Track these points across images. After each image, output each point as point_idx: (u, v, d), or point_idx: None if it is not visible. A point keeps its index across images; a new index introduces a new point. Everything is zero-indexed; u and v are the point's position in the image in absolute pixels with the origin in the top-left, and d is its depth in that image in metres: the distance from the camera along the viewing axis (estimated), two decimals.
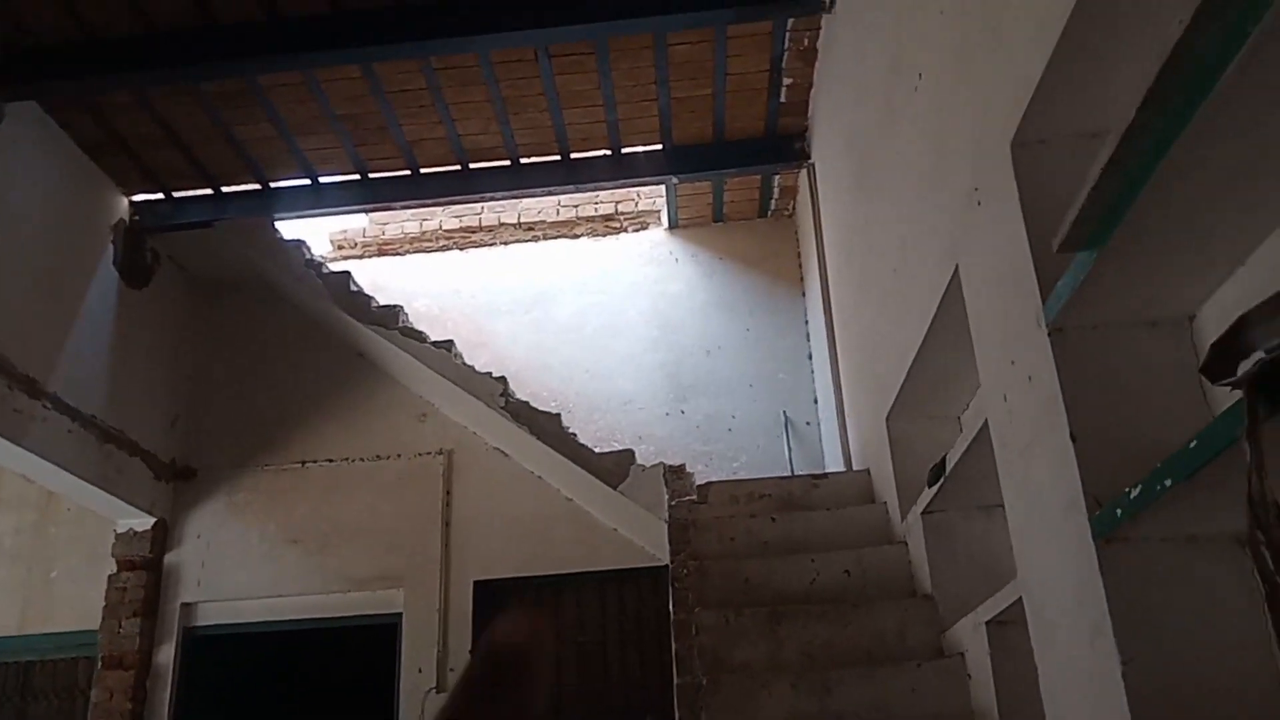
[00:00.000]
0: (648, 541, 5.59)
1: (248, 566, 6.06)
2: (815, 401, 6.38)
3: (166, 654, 5.92)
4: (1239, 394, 1.43)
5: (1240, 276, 1.95)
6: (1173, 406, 2.06)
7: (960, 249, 2.79)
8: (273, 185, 6.21)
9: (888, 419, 4.02)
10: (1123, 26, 2.00)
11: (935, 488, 3.32)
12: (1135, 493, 1.79)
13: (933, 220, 3.10)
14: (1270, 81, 1.41)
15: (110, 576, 6.06)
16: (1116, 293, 2.04)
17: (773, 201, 6.89)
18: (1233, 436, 1.43)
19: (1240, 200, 1.75)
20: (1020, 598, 2.57)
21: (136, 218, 6.19)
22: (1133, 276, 1.99)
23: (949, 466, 3.17)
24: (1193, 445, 1.58)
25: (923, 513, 3.56)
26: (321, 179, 6.18)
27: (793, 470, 6.07)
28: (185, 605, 6.03)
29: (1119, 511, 1.87)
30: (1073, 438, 2.06)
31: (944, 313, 3.08)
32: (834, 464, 5.64)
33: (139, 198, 6.21)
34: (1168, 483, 1.67)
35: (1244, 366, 1.43)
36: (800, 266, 6.82)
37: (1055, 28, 2.04)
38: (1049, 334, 2.15)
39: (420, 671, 5.66)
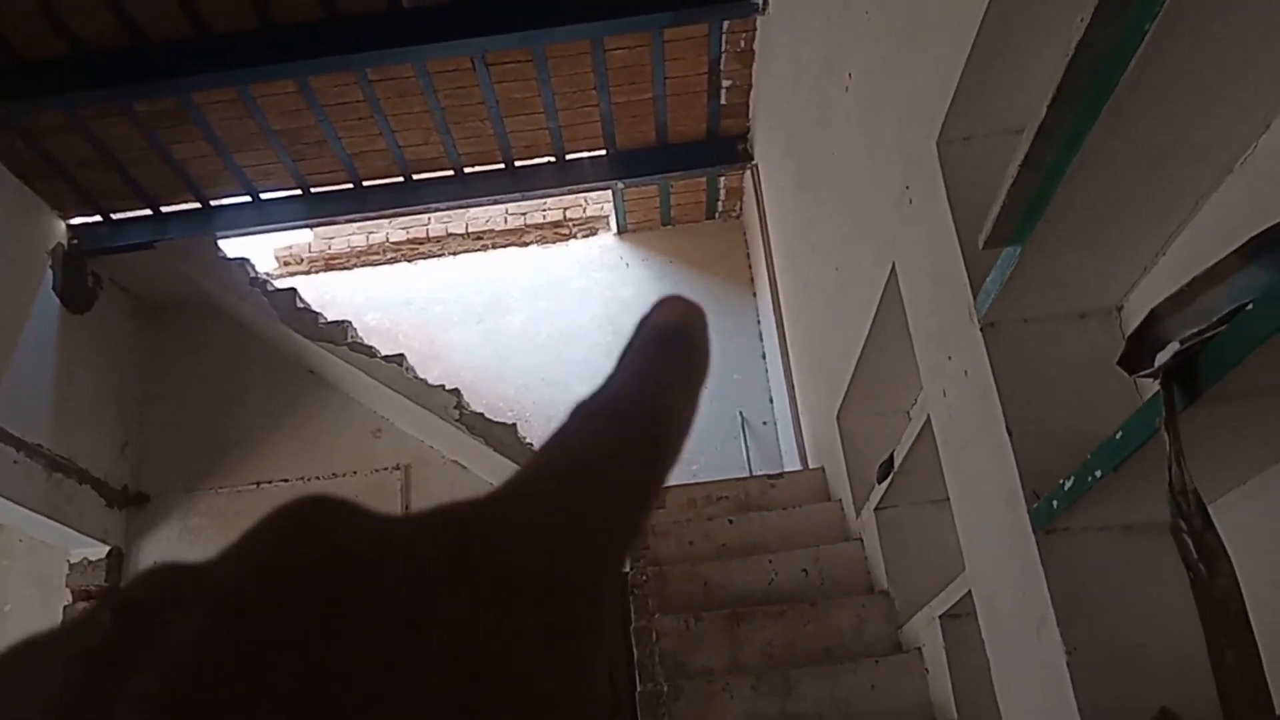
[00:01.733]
0: None
1: None
2: (770, 401, 6.40)
3: None
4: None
5: (1162, 266, 1.98)
6: (1104, 397, 2.09)
7: (896, 247, 2.81)
8: (213, 203, 6.14)
9: (838, 416, 4.04)
10: (1035, 23, 2.03)
11: (885, 483, 3.34)
12: (1069, 484, 1.81)
13: (869, 218, 3.12)
14: (1172, 74, 1.43)
15: (65, 607, 5.95)
16: (1044, 286, 2.06)
17: (719, 203, 6.91)
18: (1153, 427, 1.45)
19: (1155, 191, 1.78)
20: (970, 591, 2.59)
21: (75, 241, 6.08)
22: (1058, 270, 2.01)
23: (897, 462, 3.19)
24: (1118, 436, 1.60)
25: (875, 509, 3.58)
26: (263, 195, 6.11)
27: (751, 470, 6.08)
28: None
29: (1055, 503, 1.89)
30: (1009, 431, 2.08)
31: (885, 310, 3.10)
32: (791, 463, 5.66)
33: (76, 221, 6.10)
34: (1098, 474, 1.69)
35: (1161, 358, 1.45)
36: (750, 267, 6.84)
37: (972, 25, 2.07)
38: (981, 329, 2.17)
39: None
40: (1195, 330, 1.38)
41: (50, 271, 5.88)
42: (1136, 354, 1.47)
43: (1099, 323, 2.16)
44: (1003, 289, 2.05)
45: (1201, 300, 1.39)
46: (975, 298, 2.19)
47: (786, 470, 5.34)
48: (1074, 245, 1.94)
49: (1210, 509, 1.36)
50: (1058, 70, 1.56)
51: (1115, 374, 2.12)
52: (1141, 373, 1.47)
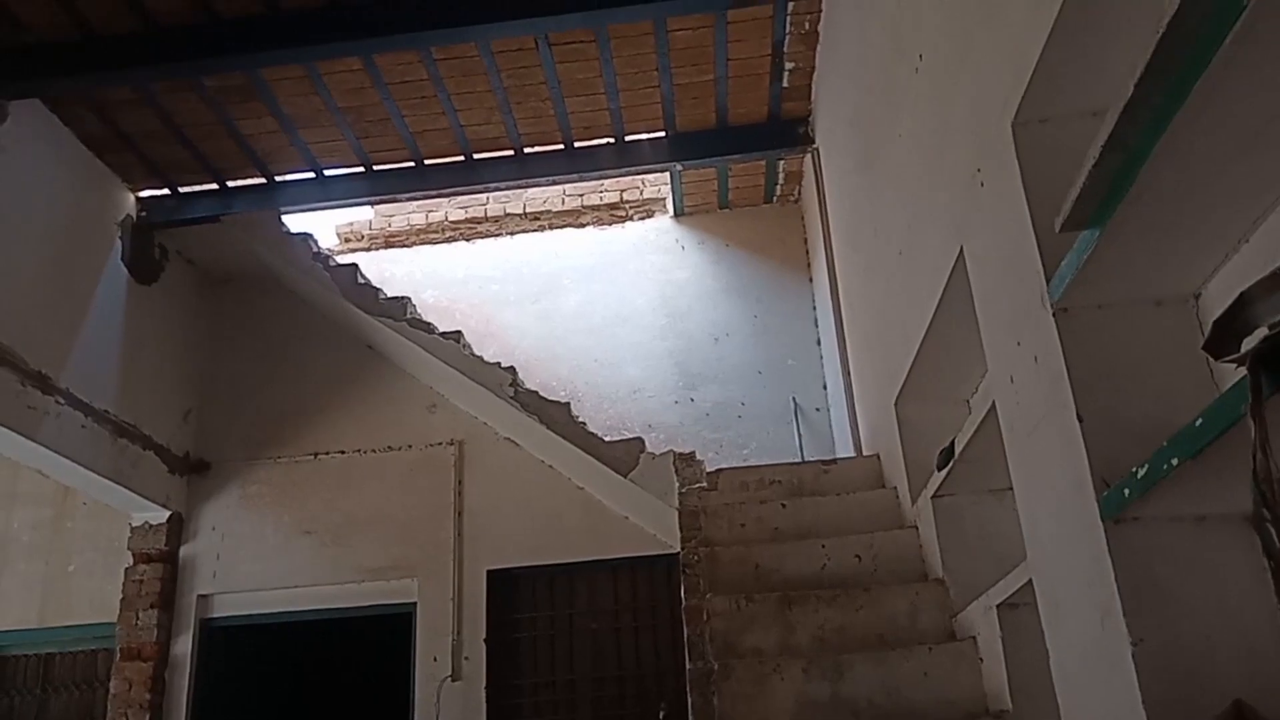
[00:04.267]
0: (659, 529, 5.59)
1: (263, 558, 6.10)
2: (824, 387, 6.37)
3: (184, 645, 5.97)
4: (1243, 371, 1.42)
5: (1245, 253, 1.93)
6: (1178, 385, 2.05)
7: (965, 230, 2.77)
8: (277, 179, 6.23)
9: (896, 403, 4.00)
10: (1117, 3, 1.98)
11: (945, 471, 3.31)
12: (1142, 472, 1.78)
13: (937, 202, 3.08)
14: (1267, 53, 1.39)
15: (127, 570, 6.11)
16: (1120, 271, 2.02)
17: (778, 187, 6.86)
18: (1238, 414, 1.42)
19: (1242, 175, 1.73)
20: (1030, 580, 2.56)
21: (143, 214, 6.22)
22: (1136, 255, 1.97)
23: (958, 450, 3.16)
24: (1198, 423, 1.57)
25: (933, 497, 3.55)
26: (326, 172, 6.20)
27: (803, 457, 6.06)
28: (201, 597, 6.08)
29: (1127, 491, 1.86)
30: (1079, 418, 2.05)
31: (950, 295, 3.06)
32: (844, 450, 5.63)
33: (145, 193, 6.23)
34: (1174, 461, 1.66)
35: (1247, 343, 1.42)
36: (807, 252, 6.80)
37: (1053, 5, 2.03)
38: (1054, 314, 2.14)
39: (435, 660, 5.69)
40: None
41: (119, 242, 6.03)
42: (1222, 339, 1.44)
43: (1175, 310, 2.12)
44: (1078, 273, 2.02)
45: None
46: (1048, 282, 2.15)
47: (840, 457, 5.31)
48: (1154, 230, 1.90)
49: None
50: (1144, 49, 1.53)
51: (1191, 363, 2.09)
52: (1227, 358, 1.44)
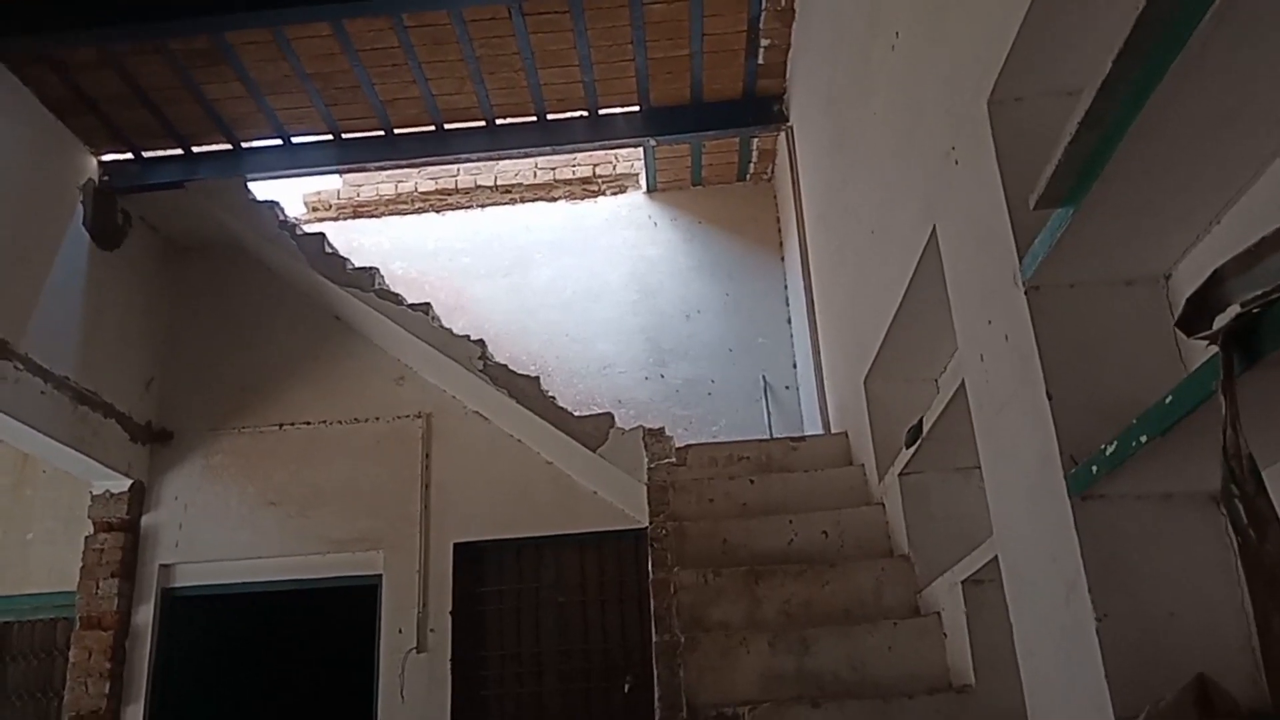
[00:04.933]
0: (627, 504, 5.60)
1: (226, 528, 6.04)
2: (794, 366, 6.39)
3: (145, 614, 5.90)
4: (1213, 350, 1.44)
5: (1216, 234, 1.95)
6: (1147, 365, 2.07)
7: (938, 209, 2.78)
8: (244, 145, 6.13)
9: (866, 381, 4.02)
10: None
11: (913, 449, 3.33)
12: (1111, 449, 1.79)
13: (910, 180, 3.08)
14: (1246, 32, 1.40)
15: (87, 538, 6.03)
16: (1093, 250, 2.03)
17: (751, 165, 6.85)
18: (1208, 391, 1.43)
19: (1216, 155, 1.74)
20: (996, 556, 2.59)
21: (106, 178, 6.10)
22: (1109, 234, 1.98)
23: (926, 427, 3.18)
24: (1168, 400, 1.58)
25: (900, 474, 3.58)
26: (294, 139, 6.11)
27: (771, 434, 6.09)
28: (164, 566, 6.01)
29: (1095, 468, 1.88)
30: (1049, 395, 2.07)
31: (922, 274, 3.07)
32: (812, 428, 5.66)
33: (108, 158, 6.11)
34: (1143, 439, 1.67)
35: (1220, 320, 1.43)
36: (779, 231, 6.80)
37: None
38: (1025, 292, 2.15)
39: (401, 632, 5.67)
40: (1259, 293, 1.36)
41: (81, 207, 5.91)
42: (1195, 316, 1.45)
43: (1146, 290, 2.13)
44: (1051, 252, 2.03)
45: (1268, 262, 1.36)
46: (1021, 261, 2.16)
47: (808, 434, 5.34)
48: (1127, 209, 1.91)
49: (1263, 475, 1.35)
50: (1120, 29, 1.53)
51: (1160, 343, 2.11)
52: (1199, 335, 1.45)
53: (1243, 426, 1.36)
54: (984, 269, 2.40)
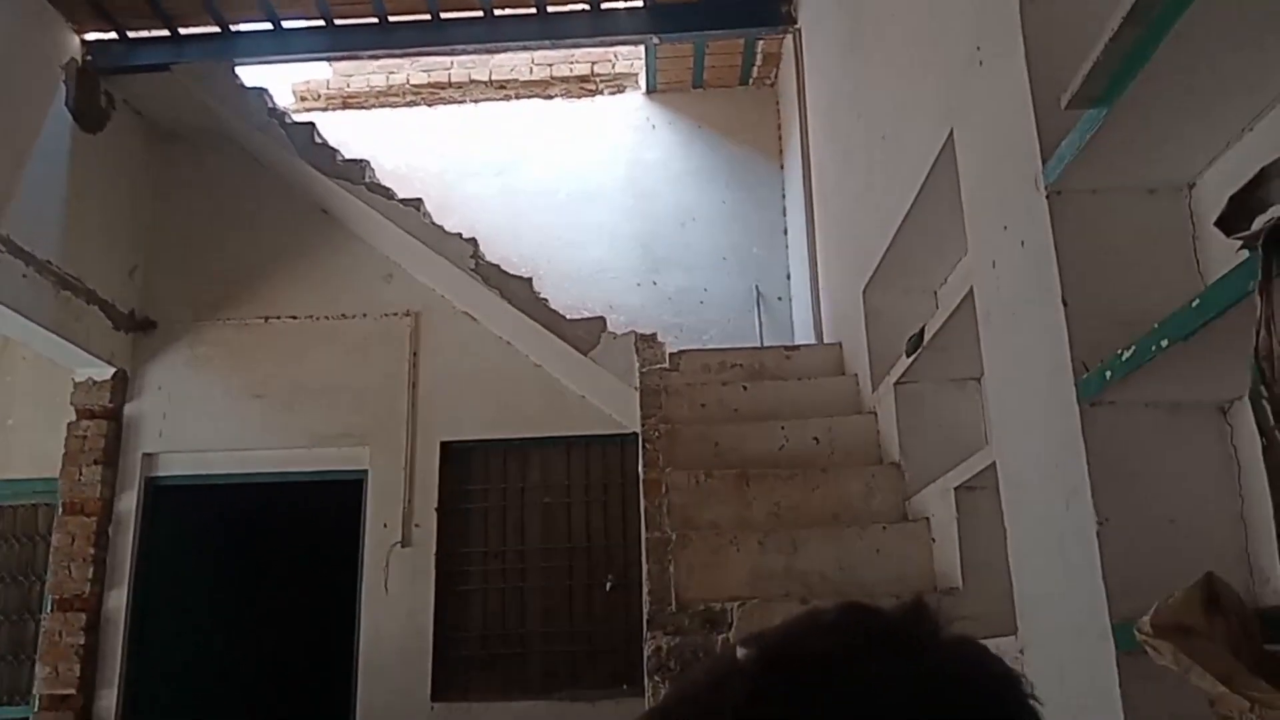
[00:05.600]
0: (615, 409, 5.61)
1: (211, 419, 6.02)
2: (788, 277, 6.35)
3: (128, 502, 5.91)
4: (1236, 262, 1.42)
5: (1246, 142, 1.91)
6: (1165, 275, 2.05)
7: (957, 112, 2.72)
8: (232, 28, 5.94)
9: (865, 291, 4.00)
10: None
11: (913, 358, 3.33)
12: (1128, 354, 1.79)
13: (929, 83, 3.01)
14: None
15: (70, 425, 6.00)
16: (1120, 155, 1.99)
17: (755, 69, 6.69)
18: (1241, 293, 1.41)
19: (1257, 59, 1.69)
20: (992, 463, 2.61)
21: (89, 58, 5.91)
22: (1138, 139, 1.94)
23: (928, 336, 3.17)
24: (1195, 304, 1.57)
25: (896, 383, 3.58)
26: (284, 24, 5.91)
27: (763, 344, 6.07)
28: (147, 455, 6.00)
29: (1108, 374, 1.87)
30: (1064, 302, 2.05)
31: (934, 180, 3.02)
32: (804, 340, 5.65)
33: (91, 36, 5.91)
34: (1164, 343, 1.66)
35: (1259, 221, 1.41)
36: (780, 138, 6.68)
37: None
38: (1047, 197, 2.11)
39: (385, 526, 5.72)
40: None
41: (63, 86, 5.73)
42: (1236, 215, 1.43)
43: (1168, 199, 2.10)
44: (1078, 154, 1.99)
45: None
46: (1044, 165, 2.12)
47: (802, 344, 5.33)
48: (1161, 112, 1.86)
49: None
50: None
51: (1179, 253, 2.09)
52: (1238, 234, 1.43)
53: (1276, 328, 1.35)
54: (1003, 173, 2.36)
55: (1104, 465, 1.95)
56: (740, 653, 0.53)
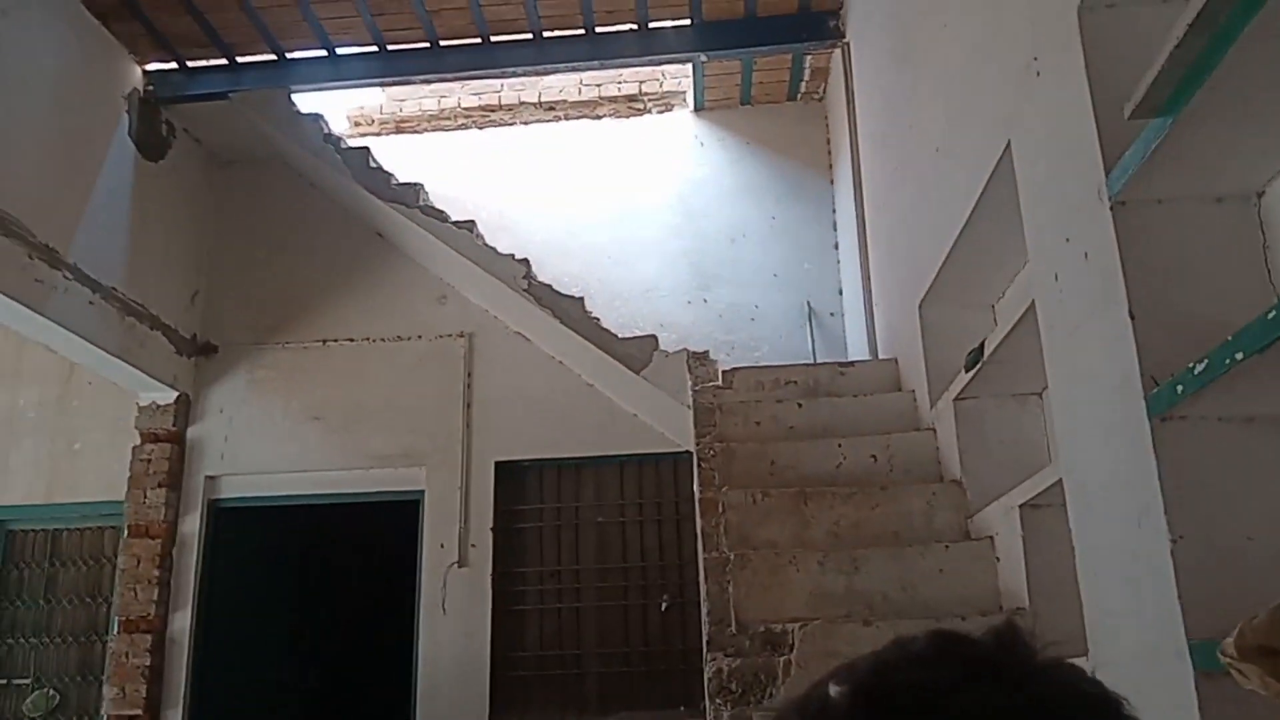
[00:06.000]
0: (668, 428, 5.60)
1: (270, 442, 6.11)
2: (840, 292, 6.30)
3: (192, 524, 6.02)
4: None
5: None
6: (1235, 286, 2.00)
7: (1014, 123, 2.69)
8: (288, 56, 6.07)
9: (921, 305, 3.96)
10: None
11: (972, 373, 3.28)
12: (1201, 367, 1.74)
13: (984, 94, 2.98)
14: None
15: (134, 448, 6.12)
16: (1185, 165, 1.96)
17: (803, 84, 6.67)
18: None
19: None
20: (1058, 481, 2.56)
21: (150, 88, 6.06)
22: (1205, 147, 1.91)
23: (988, 351, 3.13)
24: (1271, 315, 1.53)
25: (955, 399, 3.53)
26: (338, 50, 6.02)
27: (815, 361, 6.03)
28: (209, 478, 6.11)
29: (1180, 388, 1.83)
30: (1131, 315, 2.01)
31: (991, 192, 2.99)
32: (857, 356, 5.61)
33: (152, 67, 6.07)
34: (1239, 356, 1.62)
35: None
36: (830, 153, 6.65)
37: None
38: (1111, 207, 2.08)
39: (443, 547, 5.75)
40: None
41: (126, 116, 5.88)
42: None
43: (1237, 209, 2.06)
44: (1142, 164, 1.95)
45: None
46: (1108, 175, 2.09)
47: (856, 360, 5.28)
48: (1227, 120, 1.83)
49: None
50: None
51: (1249, 264, 2.04)
52: None
53: None
54: (1064, 184, 2.33)
55: (1177, 481, 1.91)
56: (834, 690, 0.52)
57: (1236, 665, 1.31)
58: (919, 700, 0.50)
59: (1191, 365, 1.78)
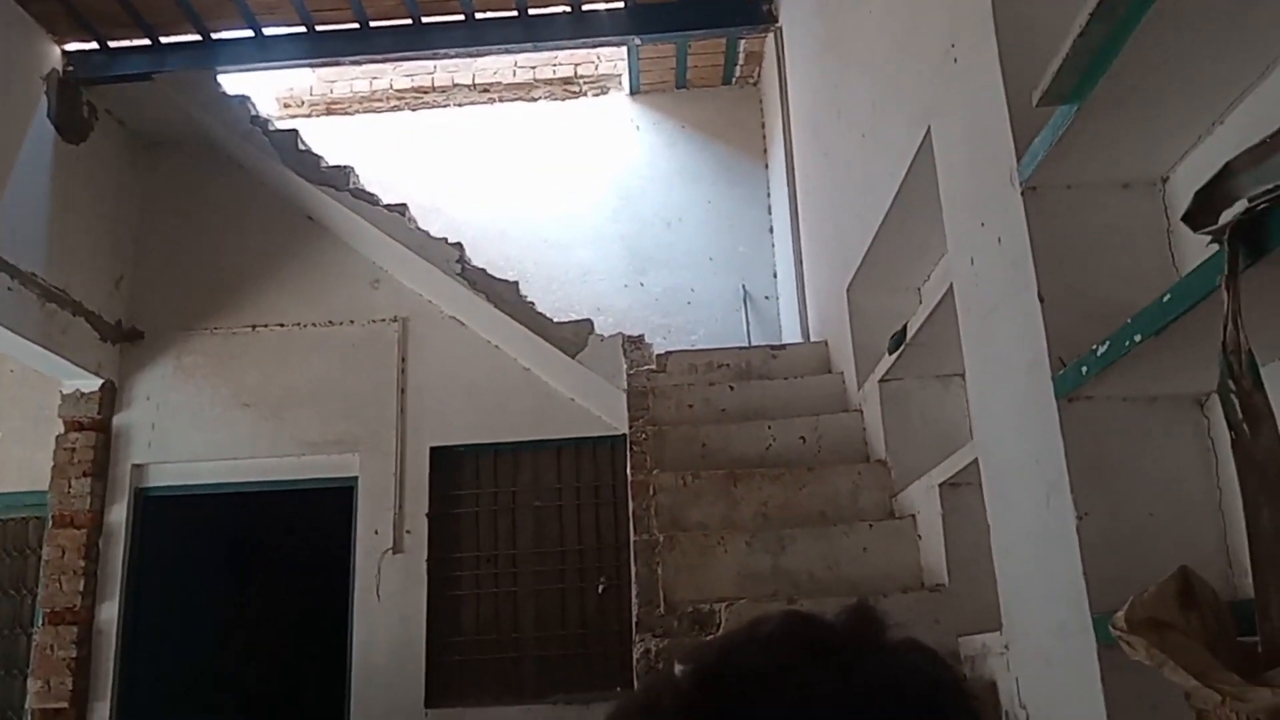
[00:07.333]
0: (605, 411, 5.61)
1: (199, 429, 6.00)
2: (774, 276, 6.36)
3: (119, 514, 5.89)
4: (1209, 254, 1.43)
5: (1218, 135, 1.92)
6: (1141, 269, 2.06)
7: (934, 109, 2.73)
8: (214, 37, 5.92)
9: (849, 290, 4.01)
10: None
11: (895, 355, 3.33)
12: (1103, 349, 1.79)
13: (906, 81, 3.02)
14: None
15: (58, 437, 5.97)
16: (1092, 151, 2.00)
17: (737, 68, 6.70)
18: (1209, 288, 1.42)
19: (1226, 54, 1.70)
20: (975, 460, 2.62)
21: (70, 68, 5.88)
22: (1110, 134, 1.95)
23: (910, 334, 3.18)
24: (1166, 299, 1.57)
25: (880, 380, 3.59)
26: (265, 30, 5.89)
27: (750, 344, 6.08)
28: (136, 466, 5.98)
29: (1084, 369, 1.88)
30: (1040, 298, 2.06)
31: (913, 177, 3.03)
32: (791, 339, 5.67)
33: (72, 47, 5.88)
34: (1137, 338, 1.67)
35: (1226, 215, 1.41)
36: (764, 137, 6.69)
37: None
38: (1022, 193, 2.12)
39: (377, 533, 5.71)
40: (1267, 188, 1.34)
41: (45, 98, 5.70)
42: (1202, 210, 1.43)
43: (1142, 193, 2.11)
44: (1050, 151, 1.99)
45: (1278, 158, 1.34)
46: (1019, 161, 2.13)
47: (788, 343, 5.34)
48: (1131, 108, 1.87)
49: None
50: None
51: (1154, 247, 2.10)
52: (1204, 229, 1.43)
53: (1243, 323, 1.35)
54: (979, 170, 2.37)
55: (1082, 460, 1.96)
56: (678, 669, 0.53)
57: (1126, 638, 1.36)
58: (751, 681, 0.51)
59: (1095, 347, 1.83)
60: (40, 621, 5.69)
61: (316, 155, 5.95)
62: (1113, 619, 1.44)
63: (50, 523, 5.84)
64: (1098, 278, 2.07)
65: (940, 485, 2.96)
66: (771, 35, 5.85)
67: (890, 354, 3.38)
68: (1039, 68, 1.97)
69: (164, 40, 5.91)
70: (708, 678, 0.52)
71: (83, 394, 6.03)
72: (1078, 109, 1.86)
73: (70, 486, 5.86)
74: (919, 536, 3.25)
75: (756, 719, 0.50)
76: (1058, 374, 1.99)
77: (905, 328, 3.24)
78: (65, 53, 5.87)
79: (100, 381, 6.02)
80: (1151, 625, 1.33)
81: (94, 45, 5.89)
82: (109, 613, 5.75)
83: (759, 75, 6.75)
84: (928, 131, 2.78)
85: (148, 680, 5.81)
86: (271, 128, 6.03)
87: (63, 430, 6.00)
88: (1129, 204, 2.11)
